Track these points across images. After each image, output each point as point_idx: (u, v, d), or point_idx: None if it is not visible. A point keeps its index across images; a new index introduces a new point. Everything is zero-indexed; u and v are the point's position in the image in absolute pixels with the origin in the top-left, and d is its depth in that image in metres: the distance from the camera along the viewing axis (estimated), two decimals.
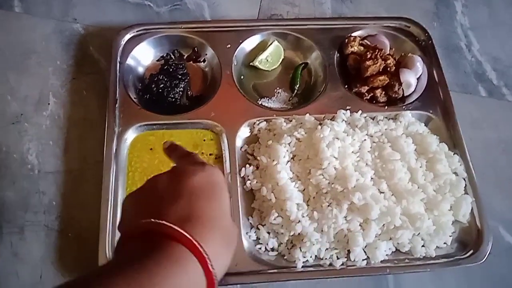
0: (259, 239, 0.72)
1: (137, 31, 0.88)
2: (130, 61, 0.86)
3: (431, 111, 0.84)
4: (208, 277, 0.35)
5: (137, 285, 0.31)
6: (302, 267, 0.69)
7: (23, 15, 0.94)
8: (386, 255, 0.71)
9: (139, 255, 0.34)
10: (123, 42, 0.87)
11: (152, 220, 0.37)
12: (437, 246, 0.72)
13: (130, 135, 0.79)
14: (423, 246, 0.71)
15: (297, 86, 0.88)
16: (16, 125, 0.82)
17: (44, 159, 0.79)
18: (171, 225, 0.36)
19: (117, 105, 0.80)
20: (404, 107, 0.85)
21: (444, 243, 0.73)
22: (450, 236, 0.73)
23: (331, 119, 0.80)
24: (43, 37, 0.92)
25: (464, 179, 0.77)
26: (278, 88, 0.89)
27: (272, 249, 0.72)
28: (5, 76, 0.87)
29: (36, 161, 0.79)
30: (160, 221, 0.36)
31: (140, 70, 0.88)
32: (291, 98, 0.88)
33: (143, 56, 0.88)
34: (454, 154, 0.79)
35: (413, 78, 0.86)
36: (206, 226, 0.38)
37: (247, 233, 0.72)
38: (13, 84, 0.86)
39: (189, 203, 0.39)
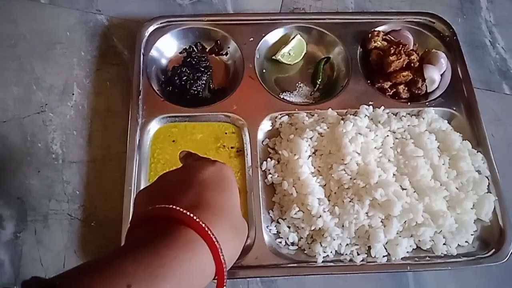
0: (279, 233, 0.72)
1: (161, 23, 0.89)
2: (153, 53, 0.86)
3: (454, 108, 0.83)
4: (217, 262, 0.35)
5: (146, 266, 0.32)
6: (322, 262, 0.70)
7: (48, 6, 0.95)
8: (407, 252, 0.70)
9: (148, 239, 0.35)
10: (147, 34, 0.87)
11: (163, 205, 0.37)
12: (458, 244, 0.72)
13: (153, 126, 0.79)
14: (444, 244, 0.71)
15: (319, 80, 0.88)
16: (41, 114, 0.83)
17: (68, 148, 0.80)
18: (180, 209, 0.36)
19: (140, 97, 0.81)
20: (427, 103, 0.84)
21: (466, 241, 0.72)
22: (472, 234, 0.72)
23: (353, 114, 0.80)
24: (68, 27, 0.93)
25: (487, 178, 0.76)
26: (300, 82, 0.89)
27: (292, 244, 0.72)
28: (30, 65, 0.88)
29: (60, 151, 0.80)
30: (169, 206, 0.37)
31: (163, 62, 0.89)
32: (312, 93, 0.87)
33: (167, 48, 0.89)
34: (477, 152, 0.78)
35: (437, 74, 0.85)
36: (216, 214, 0.38)
37: (267, 227, 0.73)
38: (39, 74, 0.87)
39: (199, 193, 0.40)
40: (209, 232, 0.35)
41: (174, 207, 0.37)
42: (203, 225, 0.35)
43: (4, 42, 0.90)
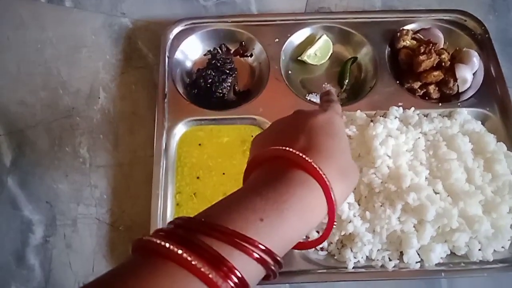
0: (309, 238, 0.71)
1: (185, 25, 0.88)
2: (178, 55, 0.86)
3: (488, 109, 0.81)
4: (329, 200, 0.39)
5: (272, 201, 0.36)
6: (353, 268, 0.68)
7: (73, 10, 0.96)
8: (441, 258, 0.68)
9: (267, 177, 0.39)
10: (171, 37, 0.87)
11: (279, 147, 0.41)
12: (494, 250, 0.69)
13: (179, 130, 0.79)
14: (480, 249, 0.68)
15: (346, 81, 0.86)
16: (68, 118, 0.83)
17: (95, 152, 0.80)
18: (294, 151, 0.40)
19: (166, 100, 0.81)
20: (459, 104, 0.81)
21: (502, 247, 0.70)
22: (508, 240, 0.70)
23: (383, 116, 0.78)
24: (93, 31, 0.93)
25: None
26: (326, 83, 0.87)
27: (322, 249, 0.70)
28: (57, 69, 0.88)
29: (88, 155, 0.80)
30: (284, 148, 0.40)
31: (188, 64, 0.88)
32: (340, 94, 0.86)
33: (191, 50, 0.88)
34: None
35: (469, 74, 0.82)
36: (326, 157, 0.41)
37: None
38: (65, 78, 0.88)
39: (309, 137, 0.43)
40: (320, 172, 0.38)
41: (289, 149, 0.40)
42: (315, 166, 0.38)
43: (31, 47, 0.91)
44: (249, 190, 0.38)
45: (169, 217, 0.71)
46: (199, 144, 0.78)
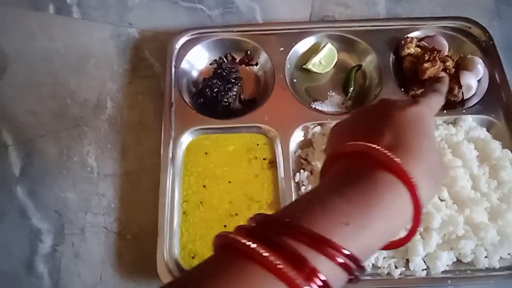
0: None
1: (191, 35, 0.89)
2: (184, 65, 0.87)
3: (493, 115, 0.81)
4: (416, 207, 0.36)
5: (357, 205, 0.34)
6: None
7: (81, 21, 0.97)
8: (447, 265, 0.68)
9: (350, 176, 0.36)
10: (177, 46, 0.88)
11: (363, 143, 0.38)
12: (501, 257, 0.69)
13: (186, 139, 0.80)
14: (486, 257, 0.68)
15: (351, 89, 0.87)
16: (76, 128, 0.84)
17: (102, 162, 0.81)
18: (380, 148, 0.36)
19: (172, 109, 0.81)
20: (464, 111, 0.81)
21: (508, 254, 0.70)
22: None
23: None
24: (100, 41, 0.94)
25: None
26: (331, 91, 0.87)
27: None
28: (65, 79, 0.90)
29: (95, 164, 0.81)
30: (369, 144, 0.37)
31: (194, 74, 0.89)
32: (344, 102, 0.86)
33: (197, 59, 0.89)
34: None
35: (474, 81, 0.82)
36: (414, 156, 0.38)
37: None
38: (73, 88, 0.89)
39: (396, 134, 0.39)
40: (409, 176, 0.35)
41: (374, 146, 0.37)
42: (405, 169, 0.35)
43: (41, 57, 0.92)
44: (332, 190, 0.36)
45: (176, 226, 0.72)
46: (205, 153, 0.79)
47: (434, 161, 0.40)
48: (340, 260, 0.31)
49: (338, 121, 0.47)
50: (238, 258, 0.30)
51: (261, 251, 0.29)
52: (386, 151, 0.36)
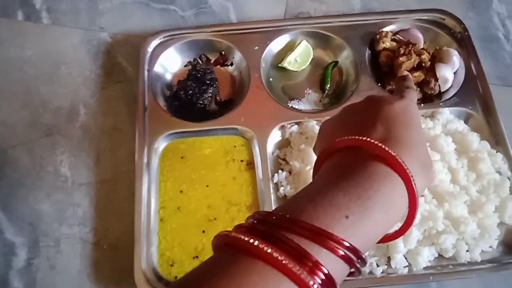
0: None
1: (164, 37, 0.87)
2: (157, 68, 0.85)
3: (470, 107, 0.80)
4: (411, 194, 0.37)
5: (356, 198, 0.35)
6: None
7: (51, 26, 0.95)
8: (429, 261, 0.68)
9: (347, 170, 0.37)
10: (150, 50, 0.86)
11: (356, 137, 0.39)
12: (482, 250, 0.69)
13: (161, 143, 0.78)
14: (467, 250, 0.68)
15: (328, 86, 0.86)
16: (49, 137, 0.82)
17: (77, 170, 0.79)
18: (374, 141, 0.37)
19: (146, 114, 0.80)
20: (441, 103, 0.81)
21: (490, 246, 0.69)
22: (496, 239, 0.69)
23: None
24: (71, 47, 0.92)
25: (509, 178, 0.73)
26: (308, 89, 0.86)
27: None
28: (36, 87, 0.87)
29: (69, 173, 0.79)
30: (362, 138, 0.38)
31: (168, 77, 0.87)
32: (322, 99, 0.85)
33: (170, 62, 0.87)
34: (497, 152, 0.75)
35: (449, 73, 0.82)
36: (406, 148, 0.38)
37: None
38: (45, 96, 0.87)
39: (387, 127, 0.40)
40: (404, 166, 0.36)
41: (367, 139, 0.38)
42: (399, 159, 0.36)
43: (10, 66, 0.90)
44: (329, 184, 0.36)
45: (153, 233, 0.71)
46: (182, 157, 0.77)
47: (424, 152, 0.42)
48: (342, 252, 0.32)
49: (327, 118, 0.48)
50: (241, 256, 0.31)
51: (264, 247, 0.30)
52: (380, 144, 0.37)
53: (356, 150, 0.39)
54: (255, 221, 0.34)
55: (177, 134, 0.79)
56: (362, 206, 0.34)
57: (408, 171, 0.36)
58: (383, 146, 0.37)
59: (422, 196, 0.69)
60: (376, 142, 0.37)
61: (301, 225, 0.32)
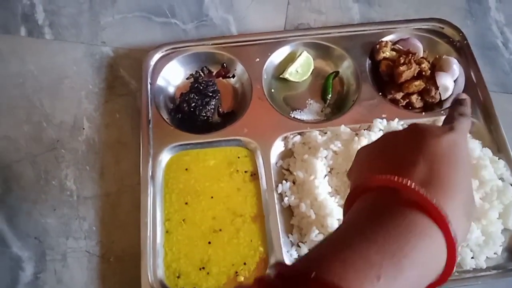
0: None
1: (165, 51, 0.88)
2: (160, 81, 0.86)
3: (471, 115, 0.81)
4: (450, 251, 0.33)
5: (390, 255, 0.31)
6: None
7: (54, 41, 0.96)
8: None
9: (381, 218, 0.33)
10: (152, 63, 0.87)
11: (395, 177, 0.35)
12: (487, 257, 0.69)
13: (165, 156, 0.78)
14: (472, 257, 0.68)
15: (329, 96, 0.87)
16: (53, 151, 0.83)
17: (82, 184, 0.80)
18: (414, 186, 0.33)
19: (150, 126, 0.80)
20: (442, 112, 0.82)
21: (495, 253, 0.70)
22: (500, 245, 0.70)
23: (367, 129, 0.78)
24: (74, 61, 0.93)
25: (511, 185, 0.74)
26: (309, 99, 0.87)
27: None
28: (40, 102, 0.88)
29: (74, 187, 0.80)
30: (402, 180, 0.34)
31: (171, 89, 0.88)
32: (323, 109, 0.86)
33: (173, 75, 0.88)
34: (499, 159, 0.76)
35: (450, 81, 0.83)
36: (451, 195, 0.34)
37: (288, 251, 0.71)
38: (48, 110, 0.87)
39: (431, 166, 0.36)
40: (446, 220, 0.32)
41: (407, 182, 0.34)
42: (442, 212, 0.32)
43: (13, 81, 0.90)
44: (360, 233, 0.33)
45: (159, 245, 0.71)
46: (186, 169, 0.78)
47: (470, 198, 0.38)
48: None
49: (365, 144, 0.44)
50: None
51: None
52: (419, 189, 0.33)
53: (393, 191, 0.34)
54: (277, 276, 0.31)
55: (181, 146, 0.80)
56: (396, 264, 0.31)
57: (450, 225, 0.32)
58: (424, 194, 0.33)
59: None
60: (416, 187, 0.33)
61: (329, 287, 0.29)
